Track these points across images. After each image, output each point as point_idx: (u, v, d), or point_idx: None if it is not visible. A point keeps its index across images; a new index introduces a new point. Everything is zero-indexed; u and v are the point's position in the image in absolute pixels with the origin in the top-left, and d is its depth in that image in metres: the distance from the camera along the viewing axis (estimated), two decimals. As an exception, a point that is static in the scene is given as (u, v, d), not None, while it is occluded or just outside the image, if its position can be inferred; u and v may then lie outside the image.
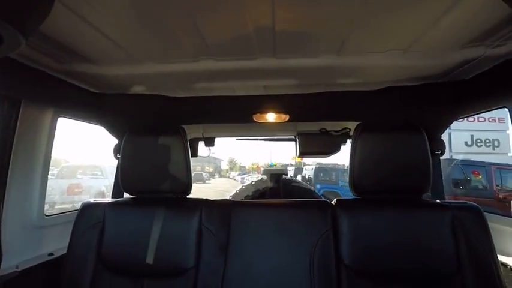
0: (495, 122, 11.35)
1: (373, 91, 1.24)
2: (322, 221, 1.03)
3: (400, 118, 1.25)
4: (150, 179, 1.11)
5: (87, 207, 1.11)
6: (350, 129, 1.84)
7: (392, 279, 0.95)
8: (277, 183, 2.18)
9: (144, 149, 1.12)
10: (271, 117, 1.36)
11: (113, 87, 1.24)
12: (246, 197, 2.17)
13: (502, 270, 0.95)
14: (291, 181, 2.23)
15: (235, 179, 29.47)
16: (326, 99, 1.29)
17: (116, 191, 1.40)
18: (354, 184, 1.05)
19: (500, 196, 6.57)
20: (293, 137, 2.08)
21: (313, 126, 1.88)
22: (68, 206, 6.60)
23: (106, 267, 1.03)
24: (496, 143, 11.72)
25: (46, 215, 1.19)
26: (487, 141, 11.72)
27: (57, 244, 1.19)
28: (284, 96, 1.31)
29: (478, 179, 6.86)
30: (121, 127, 1.37)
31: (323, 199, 1.20)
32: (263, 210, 1.11)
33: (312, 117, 1.44)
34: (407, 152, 1.03)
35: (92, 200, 1.15)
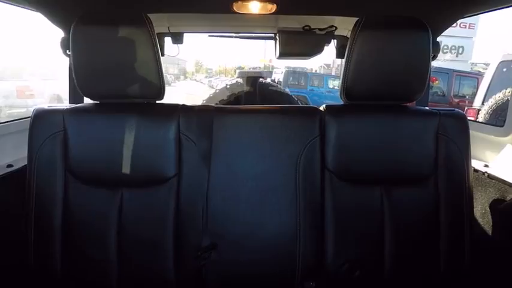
0: (465, 28, 11.34)
1: None
2: (311, 128, 0.98)
3: (400, 13, 1.11)
4: (113, 81, 0.93)
5: (41, 114, 0.94)
6: (336, 28, 1.66)
7: (372, 182, 0.98)
8: (254, 87, 2.06)
9: (100, 42, 0.91)
10: (254, 7, 1.14)
11: None
12: (220, 101, 2.06)
13: (472, 174, 1.01)
14: (269, 85, 2.12)
15: (202, 82, 28.58)
16: None
17: (74, 96, 1.20)
18: (346, 89, 0.97)
19: (454, 103, 7.09)
20: (273, 35, 1.87)
21: (295, 23, 1.67)
22: (22, 111, 6.07)
23: (78, 179, 0.94)
24: (460, 50, 12.00)
25: None
26: (453, 47, 11.92)
27: (14, 156, 1.06)
28: None
29: (436, 85, 7.21)
30: (65, 14, 1.08)
31: (310, 105, 1.13)
32: (249, 116, 1.02)
33: (303, 8, 1.24)
34: (409, 54, 0.93)
35: (45, 106, 0.97)
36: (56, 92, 6.82)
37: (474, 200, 1.03)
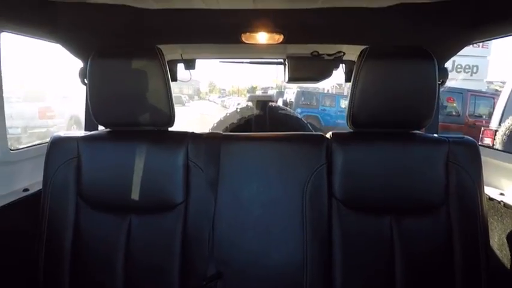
0: (479, 47, 11.25)
1: (379, 9, 1.08)
2: (317, 156, 0.98)
3: (406, 42, 1.13)
4: (126, 110, 0.98)
5: (57, 142, 0.99)
6: (344, 53, 1.70)
7: (381, 211, 0.97)
8: (264, 111, 2.09)
9: (115, 74, 0.96)
10: (262, 37, 1.18)
11: None
12: (231, 125, 2.10)
13: (487, 203, 0.98)
14: (278, 108, 2.15)
15: (215, 102, 29.20)
16: (325, 17, 1.12)
17: (89, 123, 1.26)
18: (352, 117, 0.98)
19: (470, 122, 6.95)
20: (282, 60, 1.91)
21: (304, 49, 1.71)
22: (42, 131, 6.33)
23: (88, 204, 0.97)
24: (474, 69, 11.87)
25: (12, 150, 1.06)
26: (467, 67, 11.80)
27: (31, 179, 1.10)
28: (277, 12, 1.12)
29: (453, 106, 7.11)
30: (84, 46, 1.15)
31: (317, 132, 1.14)
32: (256, 143, 1.03)
33: (309, 38, 1.28)
34: (414, 83, 0.94)
35: (62, 133, 1.02)
36: (75, 113, 7.09)
37: (490, 231, 1.00)
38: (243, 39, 1.19)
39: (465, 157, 0.96)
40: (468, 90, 7.33)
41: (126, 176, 0.96)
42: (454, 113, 7.08)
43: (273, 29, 1.15)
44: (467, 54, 11.09)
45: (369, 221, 0.96)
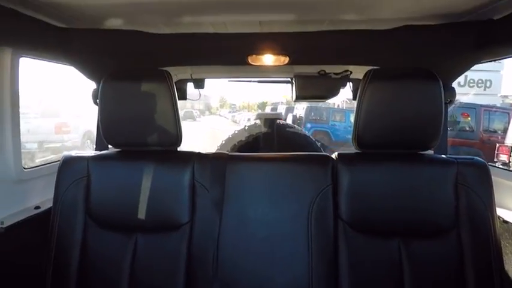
0: (491, 61, 11.11)
1: (384, 31, 1.09)
2: (323, 176, 0.98)
3: (412, 63, 1.13)
4: (135, 131, 1.01)
5: (68, 161, 1.02)
6: (351, 72, 1.71)
7: (389, 234, 0.95)
8: (271, 128, 2.11)
9: (125, 96, 0.99)
10: (268, 59, 1.21)
11: (82, 20, 1.04)
12: (239, 142, 2.12)
13: (500, 225, 0.95)
14: (286, 126, 2.17)
15: (225, 117, 29.60)
16: (330, 39, 1.14)
17: (100, 143, 1.29)
18: (358, 137, 0.97)
19: (484, 138, 6.80)
20: (289, 79, 1.94)
21: (311, 68, 1.73)
22: (57, 145, 6.52)
23: (96, 223, 0.99)
24: (488, 84, 11.70)
25: (25, 168, 1.10)
26: (480, 81, 11.65)
27: (43, 197, 1.13)
28: (283, 35, 1.15)
29: (467, 121, 6.99)
30: (97, 69, 1.20)
31: (322, 153, 1.14)
32: (261, 164, 1.04)
33: (314, 59, 1.30)
34: (419, 104, 0.94)
35: (73, 153, 1.05)
36: (89, 128, 7.29)
37: (505, 255, 0.96)
38: (250, 61, 1.22)
39: (475, 178, 0.94)
40: (481, 106, 7.21)
41: (134, 195, 0.98)
42: (467, 129, 6.95)
43: (279, 52, 1.18)
44: (480, 69, 10.95)
45: (377, 244, 0.94)
